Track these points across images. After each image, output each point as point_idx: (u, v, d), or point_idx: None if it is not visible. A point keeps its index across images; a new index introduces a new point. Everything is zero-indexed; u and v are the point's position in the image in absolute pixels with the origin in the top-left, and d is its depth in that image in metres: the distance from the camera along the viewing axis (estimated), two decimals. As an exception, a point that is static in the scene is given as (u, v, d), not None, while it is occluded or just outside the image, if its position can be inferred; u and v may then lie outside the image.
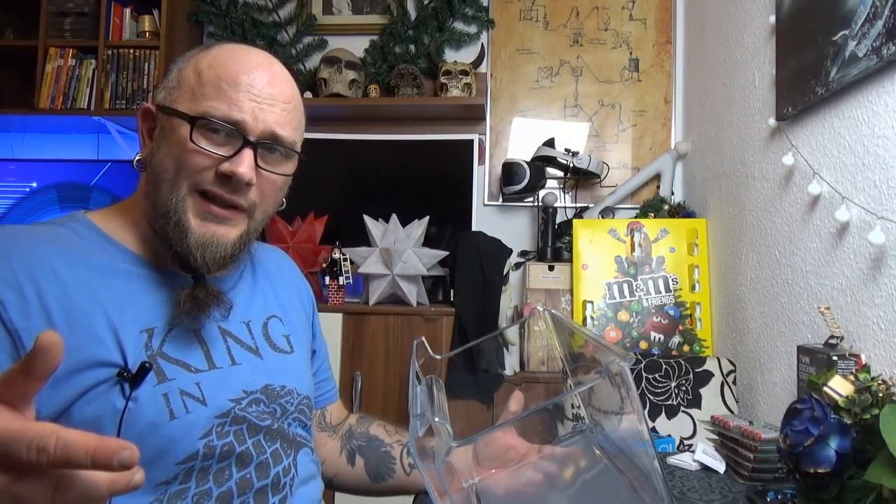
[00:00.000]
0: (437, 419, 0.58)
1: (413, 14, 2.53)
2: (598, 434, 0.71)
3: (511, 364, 2.07)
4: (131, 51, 2.42)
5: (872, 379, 0.81)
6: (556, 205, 2.34)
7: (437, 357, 0.78)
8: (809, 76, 1.34)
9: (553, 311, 0.83)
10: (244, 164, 0.72)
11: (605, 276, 2.04)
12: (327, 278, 2.14)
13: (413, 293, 2.09)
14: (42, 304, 0.67)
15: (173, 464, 0.70)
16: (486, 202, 2.48)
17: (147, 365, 0.69)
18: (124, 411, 0.67)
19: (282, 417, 0.82)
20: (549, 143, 2.34)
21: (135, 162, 0.78)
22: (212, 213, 0.74)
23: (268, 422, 0.79)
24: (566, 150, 2.32)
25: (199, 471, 0.71)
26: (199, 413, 0.72)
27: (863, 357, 1.11)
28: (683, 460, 1.20)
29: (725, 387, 1.70)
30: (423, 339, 0.77)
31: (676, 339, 1.97)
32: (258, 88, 0.74)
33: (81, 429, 0.62)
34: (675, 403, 1.69)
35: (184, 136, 0.72)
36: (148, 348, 0.72)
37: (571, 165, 2.28)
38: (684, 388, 1.71)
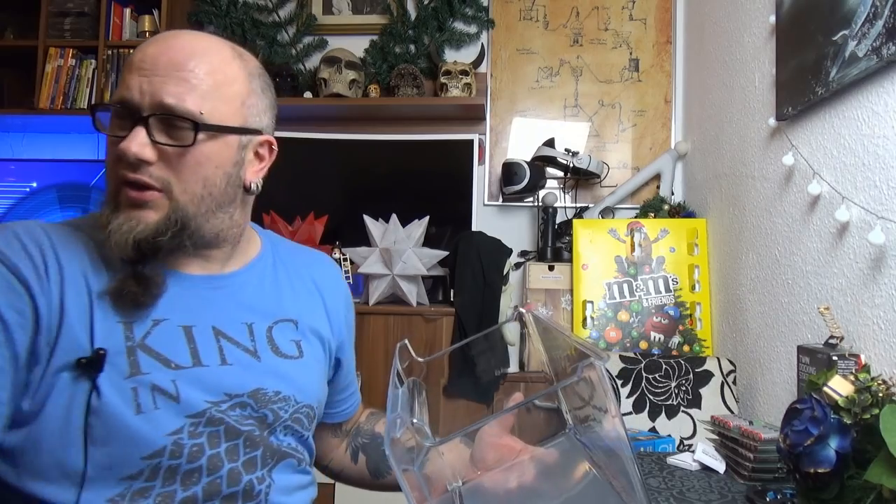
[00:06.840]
0: (414, 420, 0.57)
1: (413, 14, 2.53)
2: (582, 435, 0.70)
3: (512, 363, 2.07)
4: (131, 51, 2.41)
5: (872, 379, 0.82)
6: (556, 205, 2.34)
7: (420, 360, 0.77)
8: (809, 76, 1.34)
9: (534, 312, 0.82)
10: (131, 141, 0.70)
11: (605, 276, 2.04)
12: (327, 278, 2.14)
13: (413, 293, 2.09)
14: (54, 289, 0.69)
15: (139, 458, 0.69)
16: (486, 202, 2.48)
17: (101, 352, 0.69)
18: (89, 399, 0.68)
19: (272, 424, 0.80)
20: (549, 143, 2.34)
21: None
22: (127, 198, 0.72)
23: (250, 427, 0.77)
24: (566, 150, 2.31)
25: (167, 470, 0.71)
26: (168, 410, 0.71)
27: (863, 357, 1.11)
28: (683, 460, 1.20)
29: (725, 387, 1.70)
30: (407, 341, 0.76)
31: (676, 339, 1.97)
32: (148, 62, 0.72)
33: (54, 414, 0.67)
34: (675, 403, 1.69)
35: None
36: (129, 339, 0.71)
37: (571, 165, 2.28)
38: (684, 388, 1.71)
